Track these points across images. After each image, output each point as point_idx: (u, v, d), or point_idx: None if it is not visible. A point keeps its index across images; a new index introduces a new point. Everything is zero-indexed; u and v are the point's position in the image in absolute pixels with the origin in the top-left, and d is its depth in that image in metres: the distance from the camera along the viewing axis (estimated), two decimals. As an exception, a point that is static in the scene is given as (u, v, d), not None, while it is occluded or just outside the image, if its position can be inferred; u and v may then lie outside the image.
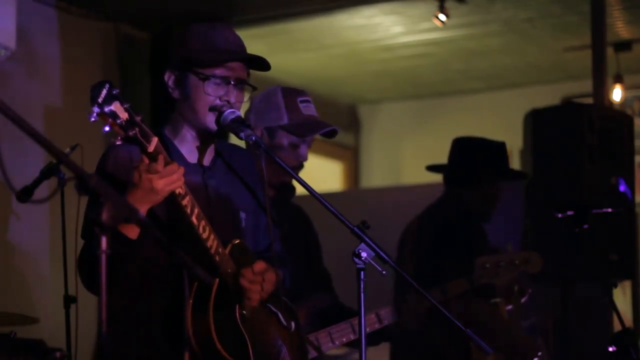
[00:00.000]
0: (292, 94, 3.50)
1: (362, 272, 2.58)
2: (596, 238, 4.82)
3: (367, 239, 2.57)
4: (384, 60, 7.75)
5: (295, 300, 3.15)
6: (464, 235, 4.27)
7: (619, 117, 5.62)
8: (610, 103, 6.67)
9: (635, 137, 5.58)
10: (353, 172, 9.29)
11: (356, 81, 8.49)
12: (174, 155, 2.67)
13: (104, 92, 2.17)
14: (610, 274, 5.06)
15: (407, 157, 9.03)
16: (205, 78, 2.69)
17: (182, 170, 2.42)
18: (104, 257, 1.64)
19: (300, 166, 3.48)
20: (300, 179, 2.72)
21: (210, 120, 2.68)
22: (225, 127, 2.68)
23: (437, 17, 6.29)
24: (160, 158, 2.38)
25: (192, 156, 2.75)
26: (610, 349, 3.68)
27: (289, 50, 7.44)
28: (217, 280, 2.55)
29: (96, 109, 2.17)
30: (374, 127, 9.26)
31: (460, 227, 4.29)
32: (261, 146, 2.66)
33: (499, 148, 4.42)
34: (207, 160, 2.78)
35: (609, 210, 4.31)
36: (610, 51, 6.52)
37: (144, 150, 2.34)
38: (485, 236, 4.45)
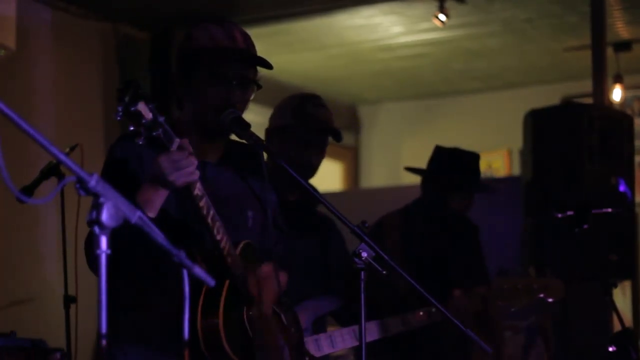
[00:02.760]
0: (304, 97, 3.52)
1: (362, 272, 2.58)
2: (596, 238, 4.82)
3: (367, 239, 2.58)
4: (383, 60, 7.75)
5: (298, 302, 3.16)
6: (451, 232, 4.31)
7: (619, 117, 5.61)
8: (610, 103, 6.66)
9: (635, 137, 5.57)
10: (353, 172, 9.29)
11: (356, 81, 8.49)
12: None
13: (130, 92, 2.21)
14: (610, 274, 5.06)
15: (407, 157, 9.02)
16: (207, 77, 2.69)
17: (195, 162, 2.43)
18: (104, 257, 1.63)
19: (308, 167, 3.47)
20: (300, 178, 2.71)
21: (211, 120, 2.69)
22: (225, 127, 2.68)
23: (437, 17, 6.29)
24: (183, 154, 2.41)
25: (196, 154, 2.75)
26: (610, 349, 3.68)
27: (289, 50, 7.44)
28: (228, 281, 2.56)
29: (121, 109, 2.21)
30: (374, 127, 9.26)
31: (445, 225, 4.32)
32: (261, 146, 2.66)
33: (474, 158, 4.46)
34: (213, 159, 2.78)
35: (609, 210, 4.31)
36: (610, 51, 6.52)
37: (166, 151, 2.37)
38: (474, 230, 4.47)
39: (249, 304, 2.63)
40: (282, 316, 2.83)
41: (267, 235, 2.85)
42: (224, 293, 2.55)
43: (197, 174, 2.43)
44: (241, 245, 2.65)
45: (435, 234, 4.29)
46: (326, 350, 3.37)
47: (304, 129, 3.46)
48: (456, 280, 4.07)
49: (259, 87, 2.78)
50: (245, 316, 2.60)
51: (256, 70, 2.78)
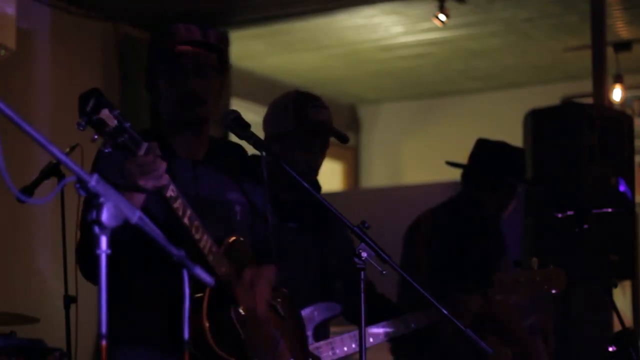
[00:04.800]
0: (303, 99, 3.47)
1: (362, 272, 2.58)
2: (596, 238, 4.82)
3: (367, 239, 2.58)
4: (384, 60, 7.75)
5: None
6: (480, 235, 4.26)
7: (619, 117, 5.61)
8: (610, 103, 6.66)
9: (635, 137, 5.57)
10: (353, 172, 9.29)
11: (356, 81, 8.49)
12: (164, 152, 2.68)
13: (92, 100, 2.18)
14: (610, 274, 5.06)
15: (407, 157, 9.03)
16: (163, 72, 2.72)
17: (163, 166, 2.39)
18: (104, 257, 1.63)
19: (309, 172, 3.41)
20: (300, 179, 2.71)
21: (178, 113, 2.71)
22: (225, 128, 2.68)
23: (437, 17, 6.29)
24: (149, 158, 2.37)
25: (183, 152, 2.75)
26: (610, 349, 3.67)
27: (289, 50, 7.44)
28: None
29: (84, 119, 2.18)
30: (374, 127, 9.26)
31: (477, 227, 4.27)
32: (261, 147, 2.66)
33: (520, 154, 4.42)
34: (199, 155, 2.78)
35: (609, 210, 4.31)
36: (610, 51, 6.52)
37: (133, 156, 2.34)
38: (501, 235, 4.44)
39: (236, 301, 2.63)
40: (278, 307, 2.83)
41: (255, 230, 2.85)
42: (207, 292, 2.55)
43: (166, 177, 2.40)
44: (227, 242, 2.65)
45: (460, 235, 4.22)
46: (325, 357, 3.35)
47: (309, 134, 3.41)
48: (480, 283, 4.01)
49: (224, 72, 2.78)
50: (232, 313, 2.60)
51: (218, 57, 2.77)
